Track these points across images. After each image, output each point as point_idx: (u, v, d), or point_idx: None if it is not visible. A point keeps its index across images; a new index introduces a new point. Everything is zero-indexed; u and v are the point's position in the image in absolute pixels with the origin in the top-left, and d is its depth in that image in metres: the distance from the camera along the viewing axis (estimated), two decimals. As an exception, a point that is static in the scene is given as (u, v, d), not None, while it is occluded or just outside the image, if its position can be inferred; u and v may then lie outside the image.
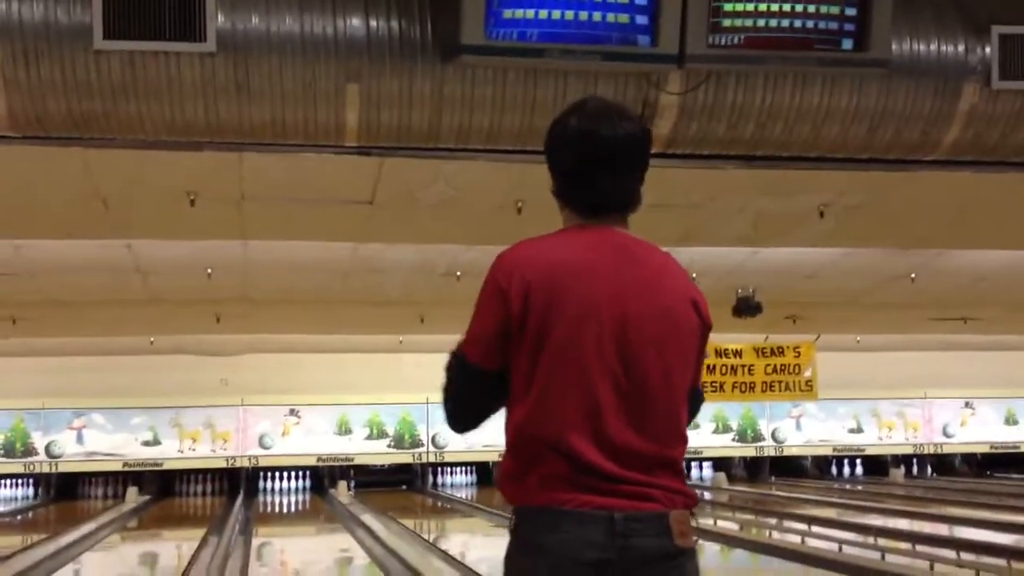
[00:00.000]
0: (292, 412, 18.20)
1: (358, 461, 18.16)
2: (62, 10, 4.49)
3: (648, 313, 1.94)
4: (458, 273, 10.88)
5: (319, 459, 18.06)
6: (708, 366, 14.05)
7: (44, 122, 4.73)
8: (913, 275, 11.43)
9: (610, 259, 1.97)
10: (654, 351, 1.93)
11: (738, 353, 14.16)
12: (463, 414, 2.06)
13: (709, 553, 10.01)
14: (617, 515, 1.86)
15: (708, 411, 19.36)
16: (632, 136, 2.00)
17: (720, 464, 19.69)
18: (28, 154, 5.79)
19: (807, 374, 14.32)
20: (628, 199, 2.03)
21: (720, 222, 8.97)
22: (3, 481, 17.61)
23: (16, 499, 17.32)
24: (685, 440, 2.03)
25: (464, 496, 16.81)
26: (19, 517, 15.41)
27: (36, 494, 17.43)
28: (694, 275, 11.17)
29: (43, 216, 7.82)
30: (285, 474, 18.37)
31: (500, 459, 2.05)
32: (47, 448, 17.39)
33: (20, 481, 17.60)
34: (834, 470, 20.31)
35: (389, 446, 18.26)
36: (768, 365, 14.21)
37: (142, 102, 4.69)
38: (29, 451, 17.37)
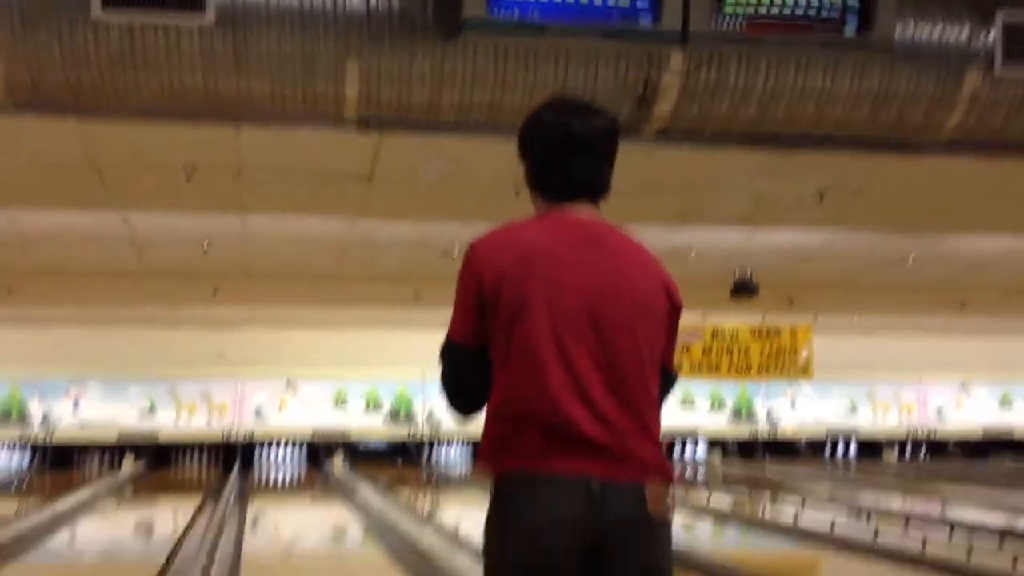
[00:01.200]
0: (289, 385, 18.24)
1: (354, 435, 18.22)
2: (60, -21, 4.45)
3: (617, 290, 2.01)
4: (456, 250, 10.87)
5: (315, 432, 18.12)
6: (705, 348, 14.08)
7: (41, 90, 4.70)
8: (911, 259, 11.43)
9: (578, 240, 2.03)
10: (624, 327, 1.99)
11: (735, 335, 14.17)
12: (456, 395, 2.11)
13: (701, 529, 10.06)
14: (594, 482, 1.89)
15: (704, 389, 19.42)
16: (602, 128, 2.10)
17: (714, 443, 19.76)
18: (24, 124, 5.77)
19: (803, 355, 14.36)
20: (596, 184, 2.10)
21: (719, 204, 8.95)
22: (-1, 449, 17.68)
23: (11, 467, 17.37)
24: (659, 416, 2.05)
25: (459, 471, 16.87)
26: (13, 485, 15.46)
27: (31, 463, 17.49)
28: (692, 255, 11.17)
29: (38, 187, 7.80)
30: (281, 446, 18.43)
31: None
32: (43, 417, 17.45)
33: (15, 449, 17.65)
34: (828, 451, 20.39)
35: (385, 420, 18.31)
36: (765, 347, 14.24)
37: (140, 72, 4.67)
38: (25, 419, 17.43)
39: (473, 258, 2.06)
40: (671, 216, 9.31)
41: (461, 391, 2.10)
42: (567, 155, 2.06)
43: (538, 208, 2.15)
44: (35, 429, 17.39)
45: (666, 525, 1.97)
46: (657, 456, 1.98)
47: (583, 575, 1.90)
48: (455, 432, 17.86)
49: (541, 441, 1.92)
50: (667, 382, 2.13)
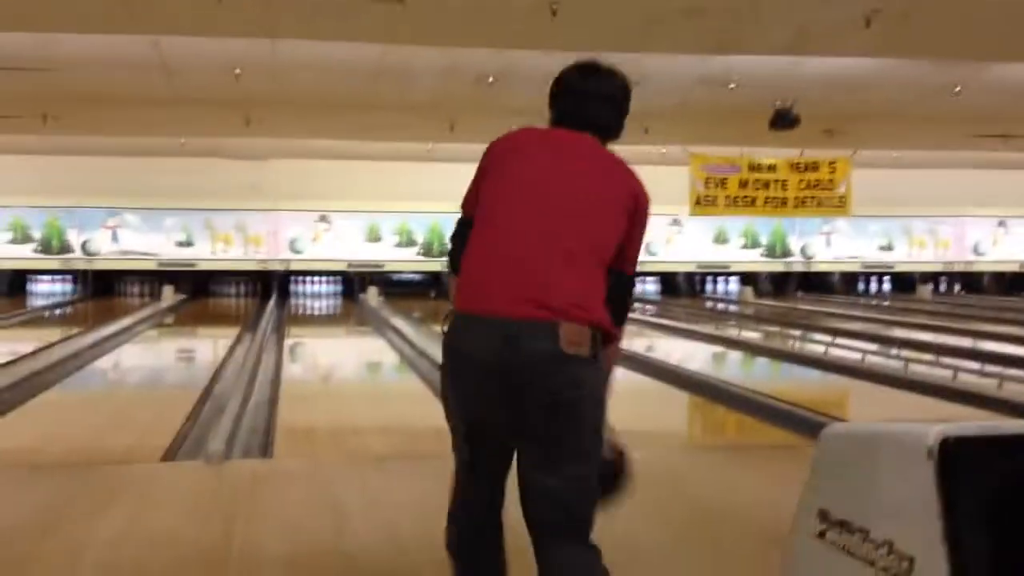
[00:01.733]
0: (322, 218, 18.34)
1: (388, 268, 18.40)
2: None
3: (574, 183, 2.31)
4: (490, 79, 10.67)
5: (349, 265, 18.31)
6: (741, 180, 13.88)
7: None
8: (958, 88, 11.11)
9: (559, 143, 2.39)
10: (569, 209, 2.27)
11: (772, 168, 13.96)
12: (451, 251, 2.47)
13: (731, 361, 10.18)
14: (512, 321, 2.16)
15: (738, 226, 19.33)
16: (610, 85, 2.47)
17: (747, 279, 19.80)
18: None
19: (841, 190, 14.15)
20: (599, 123, 2.43)
21: (761, 30, 8.65)
22: (41, 276, 18.07)
23: (55, 294, 17.80)
24: (589, 281, 2.26)
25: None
26: (58, 311, 15.84)
27: (74, 290, 17.91)
28: (732, 85, 10.89)
29: (68, 9, 7.65)
30: (316, 278, 18.69)
31: None
32: (83, 246, 17.73)
33: (58, 277, 18.07)
34: (861, 286, 20.41)
35: (418, 254, 18.45)
36: (802, 180, 14.03)
37: None
38: (65, 248, 17.73)
39: (486, 151, 2.42)
40: (709, 44, 9.03)
41: (453, 249, 2.44)
42: (580, 103, 2.43)
43: None
44: (76, 255, 17.70)
45: (585, 361, 2.16)
46: (575, 307, 2.19)
47: (508, 401, 2.17)
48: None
49: (477, 287, 2.25)
50: (620, 284, 2.34)
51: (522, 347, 2.14)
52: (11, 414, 6.27)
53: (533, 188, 2.29)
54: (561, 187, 2.29)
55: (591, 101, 2.42)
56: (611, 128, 2.45)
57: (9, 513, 3.79)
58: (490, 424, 2.23)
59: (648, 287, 19.71)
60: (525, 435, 2.19)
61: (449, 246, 2.48)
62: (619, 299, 2.31)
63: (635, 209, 2.33)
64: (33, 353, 9.26)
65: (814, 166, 14.13)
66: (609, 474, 2.31)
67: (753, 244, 19.61)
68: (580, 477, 2.19)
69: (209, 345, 11.91)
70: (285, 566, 3.25)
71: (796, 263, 19.84)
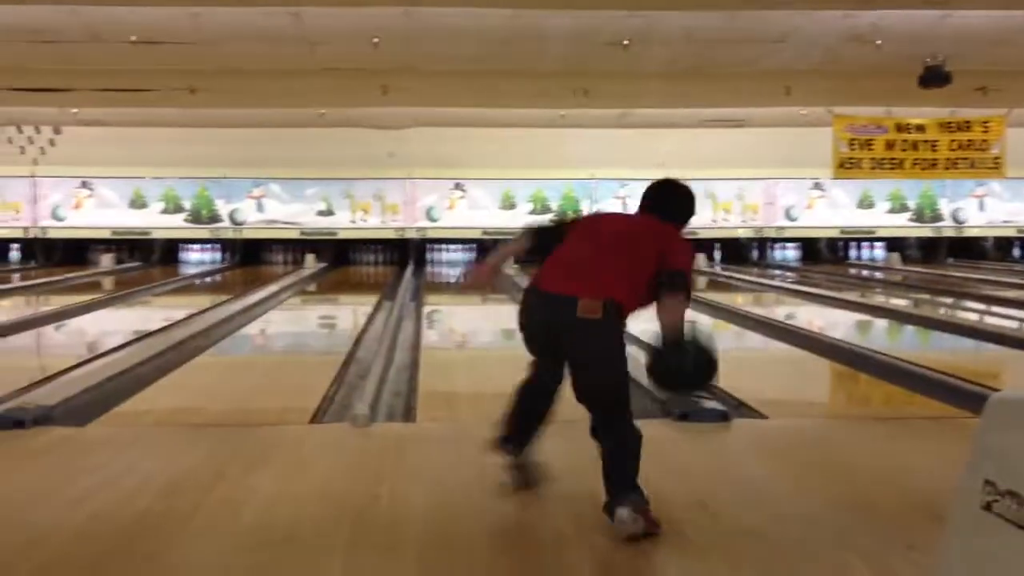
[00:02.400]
0: (457, 186, 18.52)
1: (523, 234, 18.46)
2: None
3: (614, 232, 3.57)
4: (624, 41, 10.55)
5: (484, 232, 18.47)
6: (887, 142, 13.40)
7: None
8: (1126, 41, 10.45)
9: (617, 215, 3.89)
10: (605, 245, 3.50)
11: (921, 128, 13.42)
12: (534, 228, 3.93)
13: (877, 330, 9.87)
14: (554, 295, 3.39)
15: (884, 190, 18.69)
16: (669, 195, 3.73)
17: (894, 244, 19.15)
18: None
19: (995, 151, 13.51)
20: (664, 216, 3.63)
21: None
22: (192, 245, 18.85)
23: (204, 262, 18.54)
24: (610, 284, 3.39)
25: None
26: (208, 279, 16.48)
27: (223, 258, 18.63)
28: (878, 42, 10.48)
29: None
30: (452, 246, 18.92)
31: None
32: (231, 215, 18.40)
33: (208, 246, 18.83)
34: (1017, 252, 19.48)
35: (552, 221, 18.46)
36: (953, 141, 13.44)
37: None
38: (214, 218, 18.44)
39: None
40: (855, -1, 8.73)
41: (539, 228, 3.90)
42: (649, 204, 3.70)
43: None
44: (224, 224, 18.39)
45: (593, 322, 3.30)
46: (593, 291, 3.33)
47: (552, 342, 3.41)
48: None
49: (544, 275, 3.50)
50: (665, 277, 3.36)
51: (559, 312, 3.35)
52: (167, 377, 6.55)
53: (591, 232, 3.61)
54: (609, 233, 3.55)
55: (656, 204, 3.66)
56: (673, 219, 3.64)
57: (174, 468, 3.98)
58: (543, 350, 3.52)
59: (789, 253, 19.26)
60: (564, 360, 3.45)
61: (539, 224, 3.89)
62: (663, 284, 3.34)
63: (658, 244, 3.44)
64: (186, 319, 9.65)
65: (966, 126, 13.54)
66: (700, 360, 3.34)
67: (900, 208, 18.93)
68: (596, 384, 3.39)
69: (350, 312, 12.19)
70: (431, 523, 3.33)
71: (946, 228, 19.08)
